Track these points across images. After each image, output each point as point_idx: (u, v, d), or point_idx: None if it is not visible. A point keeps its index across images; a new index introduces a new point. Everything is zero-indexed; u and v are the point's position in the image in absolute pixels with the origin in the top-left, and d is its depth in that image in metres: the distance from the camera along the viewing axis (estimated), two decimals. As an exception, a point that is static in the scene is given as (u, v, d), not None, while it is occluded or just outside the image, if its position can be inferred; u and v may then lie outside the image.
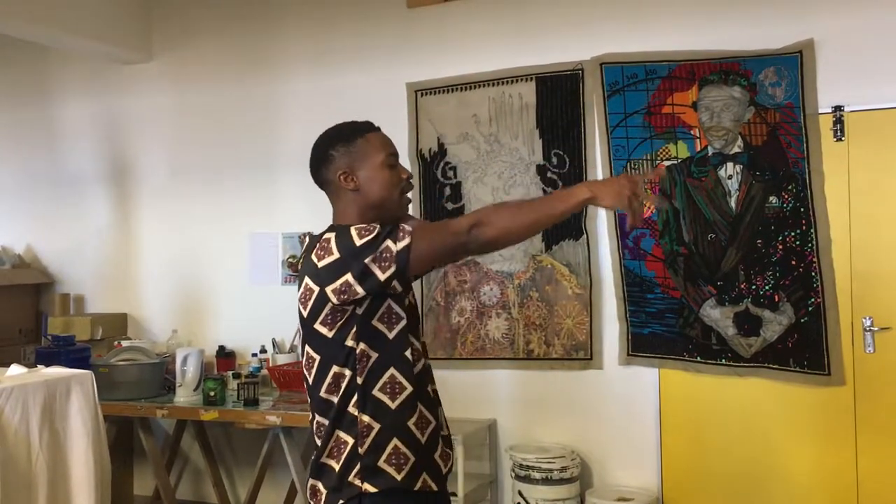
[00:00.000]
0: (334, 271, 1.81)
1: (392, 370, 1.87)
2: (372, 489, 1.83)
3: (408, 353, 1.89)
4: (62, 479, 2.91)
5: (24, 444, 2.76)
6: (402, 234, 1.79)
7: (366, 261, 1.78)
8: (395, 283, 1.80)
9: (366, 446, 1.84)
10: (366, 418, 1.84)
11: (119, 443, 4.47)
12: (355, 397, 1.85)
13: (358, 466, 1.84)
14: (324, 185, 2.00)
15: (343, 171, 1.94)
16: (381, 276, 1.78)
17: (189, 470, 4.97)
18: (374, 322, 1.86)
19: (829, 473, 3.69)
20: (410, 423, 1.87)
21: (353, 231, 1.83)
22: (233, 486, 4.85)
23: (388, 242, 1.78)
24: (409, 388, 1.88)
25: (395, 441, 1.85)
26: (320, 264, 1.84)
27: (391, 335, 1.87)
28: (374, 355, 1.86)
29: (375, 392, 1.85)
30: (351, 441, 1.85)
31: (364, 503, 1.84)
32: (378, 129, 2.03)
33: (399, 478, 1.84)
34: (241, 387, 3.98)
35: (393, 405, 1.86)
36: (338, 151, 1.96)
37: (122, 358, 4.19)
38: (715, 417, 3.90)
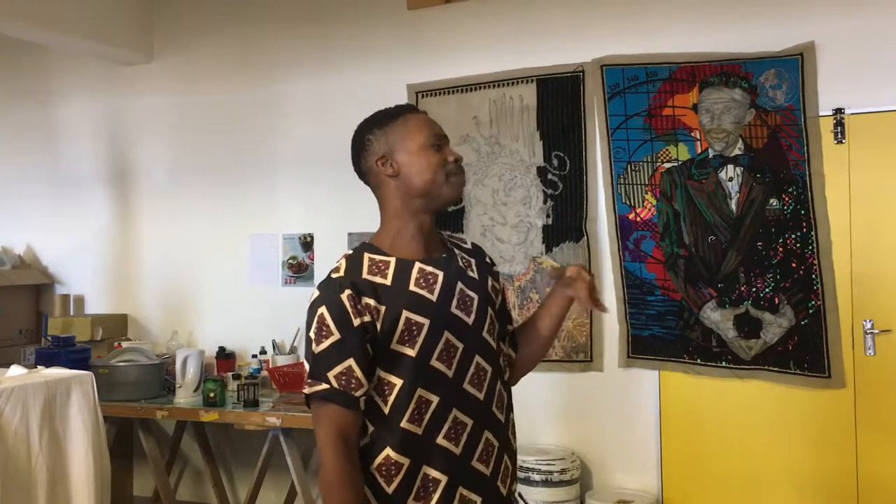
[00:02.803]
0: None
1: None
2: None
3: None
4: (62, 479, 2.91)
5: (23, 445, 2.76)
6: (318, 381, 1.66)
7: None
8: None
9: None
10: None
11: (119, 444, 4.47)
12: None
13: None
14: (364, 175, 1.83)
15: (380, 155, 1.78)
16: None
17: (189, 471, 4.97)
18: None
19: (829, 476, 3.69)
20: None
21: None
22: (233, 488, 4.85)
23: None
24: None
25: None
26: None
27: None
28: None
29: None
30: None
31: None
32: (420, 110, 1.89)
33: None
34: (241, 388, 3.99)
35: None
36: (374, 136, 1.83)
37: (122, 359, 4.19)
38: (715, 420, 3.89)
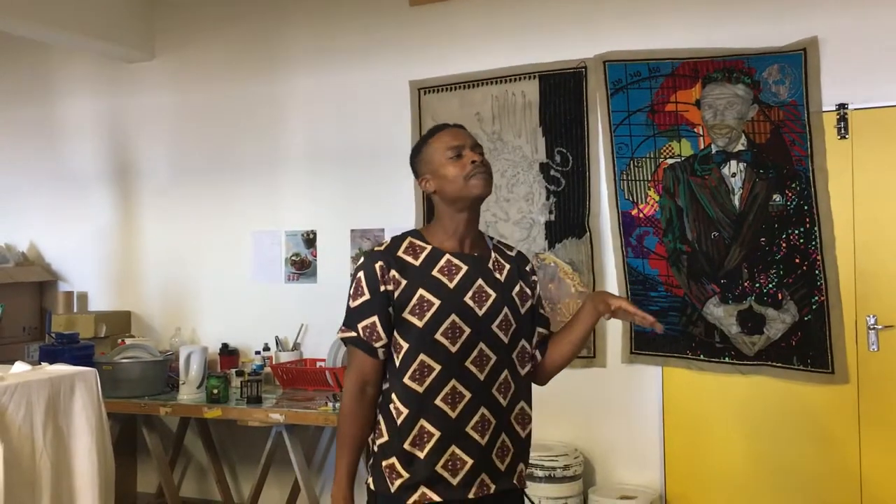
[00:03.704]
0: None
1: None
2: None
3: None
4: (66, 476, 2.91)
5: (27, 442, 2.77)
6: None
7: None
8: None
9: None
10: None
11: (123, 440, 4.48)
12: None
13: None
14: (423, 190, 2.21)
15: (422, 178, 2.15)
16: None
17: (192, 467, 4.98)
18: None
19: (832, 471, 3.68)
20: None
21: None
22: (236, 484, 4.86)
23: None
24: None
25: None
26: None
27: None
28: None
29: None
30: None
31: None
32: (447, 126, 2.19)
33: None
34: (245, 384, 3.99)
35: None
36: (416, 161, 2.20)
37: (126, 356, 4.20)
38: (718, 415, 3.89)
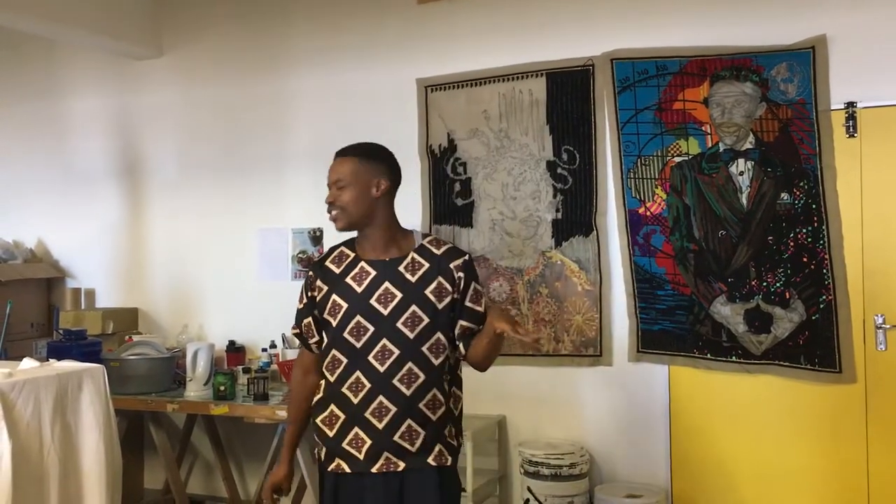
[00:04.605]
0: None
1: None
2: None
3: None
4: (73, 472, 2.92)
5: (35, 438, 2.78)
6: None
7: None
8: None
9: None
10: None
11: (130, 436, 4.49)
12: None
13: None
14: None
15: None
16: None
17: (199, 464, 4.99)
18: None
19: (839, 471, 3.67)
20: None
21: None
22: (243, 480, 4.87)
23: None
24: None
25: None
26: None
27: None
28: None
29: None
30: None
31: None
32: (336, 155, 2.49)
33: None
34: (251, 381, 4.00)
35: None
36: None
37: (133, 352, 4.21)
38: (725, 415, 3.88)
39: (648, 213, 4.02)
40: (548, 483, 3.86)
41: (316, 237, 4.76)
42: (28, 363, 3.06)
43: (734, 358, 3.85)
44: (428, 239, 2.41)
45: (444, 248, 2.38)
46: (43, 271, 5.28)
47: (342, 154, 2.46)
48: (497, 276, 4.30)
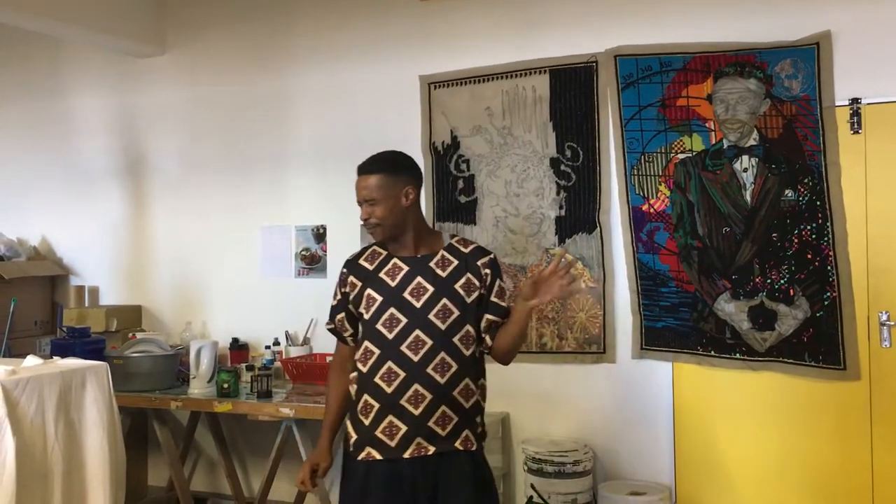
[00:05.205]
0: None
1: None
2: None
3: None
4: (77, 469, 2.93)
5: (39, 435, 2.78)
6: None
7: None
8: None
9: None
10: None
11: (133, 434, 4.50)
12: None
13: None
14: None
15: None
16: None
17: (203, 461, 4.99)
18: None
19: (843, 468, 3.67)
20: None
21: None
22: (246, 478, 4.87)
23: None
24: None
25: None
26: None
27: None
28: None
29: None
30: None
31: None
32: (359, 171, 2.60)
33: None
34: (255, 379, 4.00)
35: None
36: None
37: (137, 349, 4.22)
38: (729, 412, 3.88)
39: (652, 210, 4.01)
40: (551, 480, 3.86)
41: (319, 235, 4.76)
42: (32, 361, 3.06)
43: (738, 355, 3.84)
44: (455, 239, 2.60)
45: (471, 247, 2.57)
46: (46, 269, 5.28)
47: (367, 171, 2.54)
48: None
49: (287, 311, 4.71)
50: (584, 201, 4.16)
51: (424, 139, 4.46)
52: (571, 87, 4.17)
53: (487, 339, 2.53)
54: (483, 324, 2.52)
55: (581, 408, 4.16)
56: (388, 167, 2.54)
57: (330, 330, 2.64)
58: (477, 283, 2.50)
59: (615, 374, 4.10)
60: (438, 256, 2.52)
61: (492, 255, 2.58)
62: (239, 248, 4.93)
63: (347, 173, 4.61)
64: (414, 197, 2.53)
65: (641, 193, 4.03)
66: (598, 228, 4.13)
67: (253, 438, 4.79)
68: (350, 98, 4.67)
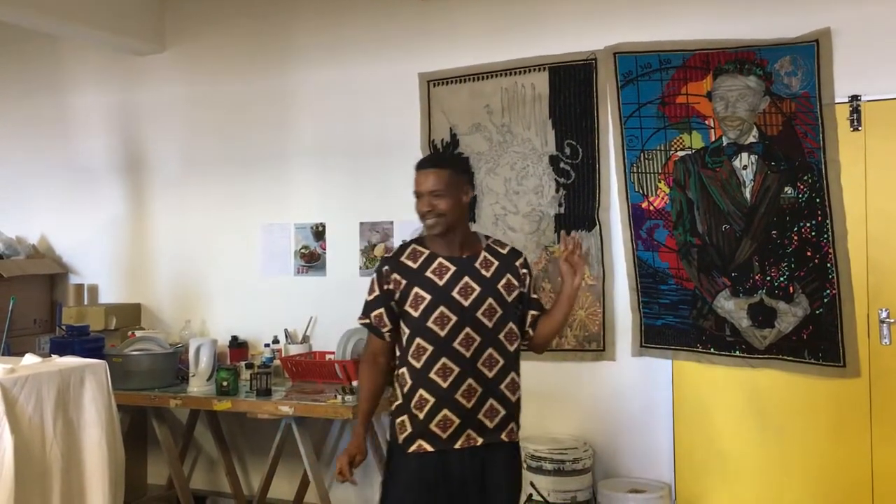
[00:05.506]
0: None
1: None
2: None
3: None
4: (76, 467, 2.93)
5: (38, 433, 2.78)
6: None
7: None
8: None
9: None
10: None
11: (133, 432, 4.50)
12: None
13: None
14: None
15: None
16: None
17: (202, 459, 4.99)
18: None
19: (843, 465, 3.67)
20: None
21: None
22: (246, 476, 4.87)
23: None
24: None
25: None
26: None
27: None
28: None
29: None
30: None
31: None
32: (419, 166, 2.67)
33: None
34: (254, 377, 4.00)
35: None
36: None
37: (136, 348, 4.21)
38: (728, 409, 3.88)
39: (651, 208, 4.00)
40: (551, 478, 3.86)
41: (319, 233, 4.76)
42: (30, 359, 3.06)
43: (738, 352, 3.84)
44: (490, 240, 2.76)
45: (507, 249, 2.75)
46: (46, 267, 5.28)
47: (435, 165, 2.67)
48: (500, 271, 4.29)
49: (286, 308, 4.70)
50: (584, 199, 4.16)
51: (424, 136, 4.46)
52: (571, 84, 4.17)
53: (530, 332, 2.72)
54: (528, 319, 2.71)
55: (581, 405, 4.16)
56: (455, 164, 2.75)
57: (364, 324, 2.70)
58: (516, 283, 2.67)
59: (615, 372, 4.10)
60: (481, 258, 2.66)
61: (525, 256, 2.77)
62: (238, 246, 4.92)
63: (347, 171, 4.69)
64: (469, 197, 2.70)
65: (641, 191, 4.02)
66: (598, 226, 4.12)
67: (252, 436, 4.79)
68: (350, 96, 4.66)
